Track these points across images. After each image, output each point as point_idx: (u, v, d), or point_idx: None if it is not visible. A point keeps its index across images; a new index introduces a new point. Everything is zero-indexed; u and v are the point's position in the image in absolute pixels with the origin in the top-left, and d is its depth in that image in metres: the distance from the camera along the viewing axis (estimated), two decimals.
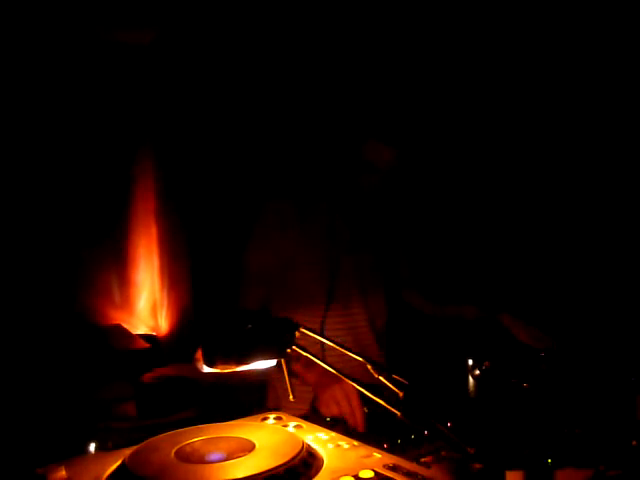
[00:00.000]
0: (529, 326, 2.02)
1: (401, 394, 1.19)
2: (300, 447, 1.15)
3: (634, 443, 1.37)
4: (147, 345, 3.43)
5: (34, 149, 3.32)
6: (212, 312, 1.81)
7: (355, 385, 1.22)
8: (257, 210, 2.07)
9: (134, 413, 2.84)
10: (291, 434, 1.27)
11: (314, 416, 1.64)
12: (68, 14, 3.18)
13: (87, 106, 3.49)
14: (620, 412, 1.53)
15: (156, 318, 3.75)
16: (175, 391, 2.99)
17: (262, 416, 1.42)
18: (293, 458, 1.11)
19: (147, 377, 3.11)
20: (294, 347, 1.22)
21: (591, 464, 1.28)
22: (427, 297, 2.33)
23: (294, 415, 1.45)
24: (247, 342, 1.19)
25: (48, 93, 3.35)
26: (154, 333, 3.72)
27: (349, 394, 1.59)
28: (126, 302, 3.68)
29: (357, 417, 1.56)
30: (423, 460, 1.30)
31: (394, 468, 1.12)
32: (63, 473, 1.12)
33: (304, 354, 1.22)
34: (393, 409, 1.16)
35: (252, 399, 2.32)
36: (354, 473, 1.09)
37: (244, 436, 1.23)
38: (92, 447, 1.35)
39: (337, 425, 1.57)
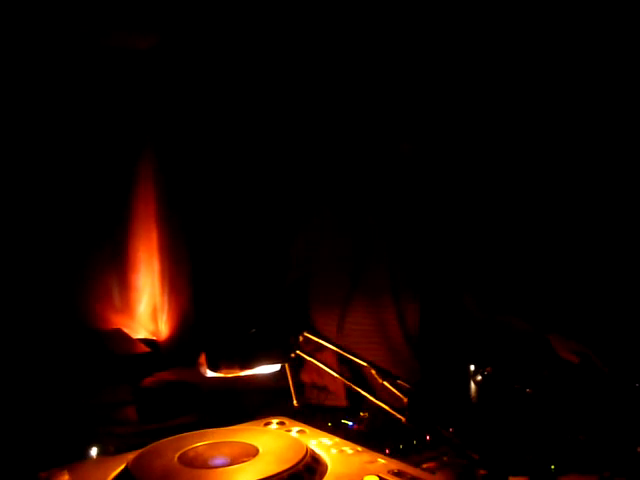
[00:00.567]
0: (579, 344, 1.97)
1: (405, 400, 1.18)
2: (304, 452, 1.15)
3: (639, 450, 1.36)
4: (147, 349, 3.41)
5: (35, 153, 3.31)
6: (215, 316, 1.80)
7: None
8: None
9: (134, 418, 2.83)
10: (295, 439, 1.26)
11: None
12: (72, 19, 3.18)
13: (89, 110, 3.49)
14: (625, 418, 1.53)
15: (156, 322, 3.74)
16: (175, 396, 2.98)
17: (265, 421, 1.41)
18: (297, 463, 1.10)
19: (147, 381, 3.10)
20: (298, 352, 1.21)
21: (595, 470, 1.28)
22: (480, 303, 2.28)
23: None
24: (251, 346, 1.19)
25: (52, 97, 3.35)
26: (154, 337, 3.71)
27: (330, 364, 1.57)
28: (126, 306, 3.67)
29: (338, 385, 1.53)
30: (426, 466, 1.30)
31: (399, 474, 1.11)
32: (66, 477, 1.11)
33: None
34: (398, 414, 1.15)
35: (254, 404, 2.32)
36: (359, 479, 1.08)
37: (247, 441, 1.22)
38: (94, 452, 1.34)
39: (339, 429, 1.56)
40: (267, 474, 1.05)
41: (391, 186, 2.05)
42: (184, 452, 1.17)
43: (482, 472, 1.18)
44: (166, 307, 3.74)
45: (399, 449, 1.39)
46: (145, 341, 3.55)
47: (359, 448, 1.24)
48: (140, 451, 1.20)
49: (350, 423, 1.60)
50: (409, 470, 1.14)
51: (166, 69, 3.66)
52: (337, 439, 1.30)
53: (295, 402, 1.35)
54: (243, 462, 1.12)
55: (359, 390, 1.21)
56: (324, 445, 1.26)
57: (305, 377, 1.91)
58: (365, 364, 1.25)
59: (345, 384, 1.27)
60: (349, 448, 1.24)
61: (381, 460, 1.18)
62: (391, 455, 1.27)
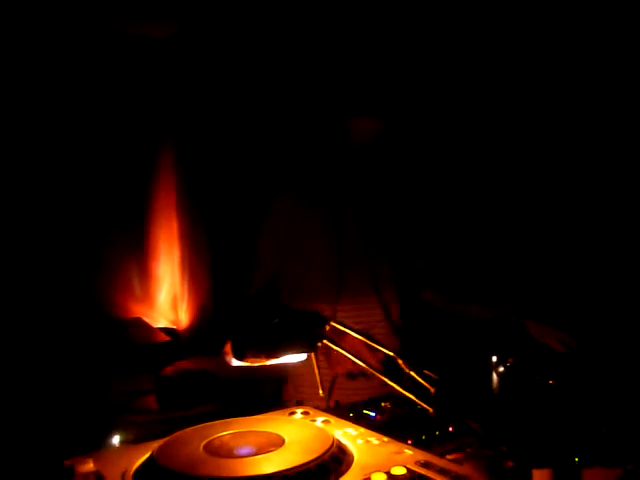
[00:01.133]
0: (556, 331, 1.96)
1: (433, 390, 1.17)
2: (330, 442, 1.13)
3: None
4: (167, 338, 3.43)
5: (58, 143, 3.33)
6: (238, 305, 1.78)
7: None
8: (266, 201, 2.07)
9: (155, 406, 2.85)
10: (320, 429, 1.25)
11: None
12: (92, 7, 3.19)
13: (110, 100, 3.50)
14: None
15: (176, 311, 3.76)
16: (195, 384, 3.00)
17: (289, 410, 1.40)
18: (324, 453, 1.09)
19: (167, 370, 3.12)
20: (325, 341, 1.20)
21: (619, 463, 1.26)
22: (449, 296, 2.27)
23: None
24: (278, 336, 1.18)
25: (73, 88, 3.37)
26: (174, 326, 3.73)
27: (357, 347, 1.52)
28: (146, 295, 3.69)
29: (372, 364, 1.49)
30: (451, 457, 1.28)
31: (426, 465, 1.10)
32: (91, 465, 1.11)
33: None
34: (425, 405, 1.14)
35: (272, 393, 2.31)
36: (386, 470, 1.07)
37: (273, 430, 1.21)
38: (116, 440, 1.34)
39: (362, 419, 1.55)
40: (294, 464, 1.04)
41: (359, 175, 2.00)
42: (209, 441, 1.17)
43: (510, 464, 1.16)
44: (186, 296, 3.75)
45: (421, 440, 1.38)
46: (165, 330, 3.57)
47: (385, 439, 1.23)
48: (165, 439, 1.19)
49: (372, 414, 1.59)
50: (436, 461, 1.12)
51: (187, 59, 3.66)
52: (362, 429, 1.29)
53: (321, 392, 1.34)
54: (269, 452, 1.11)
55: (387, 380, 1.19)
56: (349, 435, 1.25)
57: (339, 368, 1.85)
58: (392, 354, 1.23)
59: (377, 370, 1.25)
60: (375, 438, 1.23)
61: (408, 451, 1.17)
62: (414, 446, 1.25)
